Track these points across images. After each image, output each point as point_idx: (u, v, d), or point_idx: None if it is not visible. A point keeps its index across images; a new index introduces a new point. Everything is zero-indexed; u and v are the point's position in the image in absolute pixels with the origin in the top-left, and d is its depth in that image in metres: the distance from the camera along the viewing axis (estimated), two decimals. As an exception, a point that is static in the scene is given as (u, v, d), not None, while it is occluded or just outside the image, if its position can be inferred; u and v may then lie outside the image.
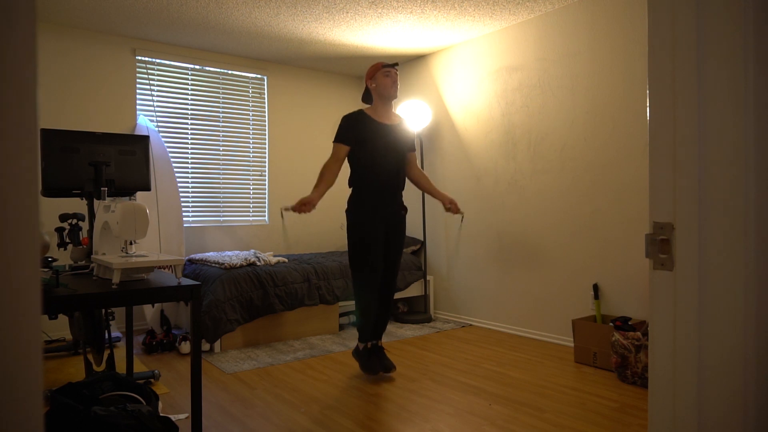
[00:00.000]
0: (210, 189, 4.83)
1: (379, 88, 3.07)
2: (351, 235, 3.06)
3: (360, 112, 3.10)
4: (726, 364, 0.85)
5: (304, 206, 2.86)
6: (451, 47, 4.72)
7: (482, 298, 4.46)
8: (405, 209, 3.20)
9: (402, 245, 3.18)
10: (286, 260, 4.32)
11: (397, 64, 3.13)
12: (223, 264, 3.94)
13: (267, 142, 5.13)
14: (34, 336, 0.51)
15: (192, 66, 4.69)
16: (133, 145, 2.54)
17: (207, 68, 4.77)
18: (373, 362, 3.09)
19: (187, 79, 4.68)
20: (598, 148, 3.60)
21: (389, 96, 3.08)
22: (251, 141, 5.06)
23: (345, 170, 3.11)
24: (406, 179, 3.28)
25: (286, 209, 2.89)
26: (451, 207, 3.19)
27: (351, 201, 3.10)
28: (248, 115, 5.04)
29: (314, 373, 3.23)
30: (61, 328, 3.91)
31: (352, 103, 5.65)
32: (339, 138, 3.04)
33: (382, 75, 3.06)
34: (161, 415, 2.14)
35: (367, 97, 3.18)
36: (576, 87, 3.73)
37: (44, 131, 2.31)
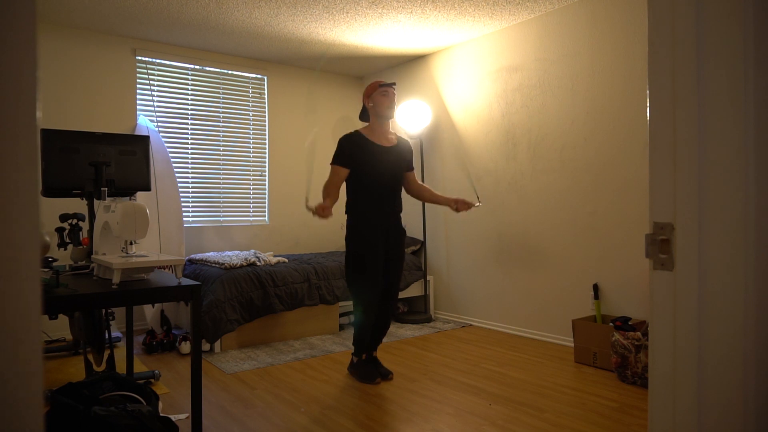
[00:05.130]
0: (210, 189, 4.83)
1: (377, 107, 3.03)
2: (350, 259, 3.04)
3: (356, 133, 3.05)
4: (726, 363, 0.85)
5: (324, 210, 2.78)
6: (451, 47, 4.72)
7: (482, 298, 4.46)
8: (403, 232, 3.17)
9: (401, 267, 3.16)
10: (286, 260, 4.32)
11: (394, 84, 3.10)
12: (223, 264, 3.94)
13: (267, 142, 5.13)
14: (34, 336, 0.51)
15: (192, 66, 4.69)
16: (133, 145, 2.54)
17: (207, 68, 4.77)
18: (370, 370, 3.08)
19: (187, 79, 4.68)
20: (598, 148, 3.60)
21: (386, 116, 3.05)
22: (251, 141, 5.06)
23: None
24: (409, 196, 3.26)
25: (309, 208, 2.81)
26: (458, 207, 3.09)
27: (349, 226, 3.07)
28: (248, 115, 5.04)
29: (314, 373, 3.23)
30: (61, 328, 3.91)
31: (352, 103, 5.65)
32: (337, 160, 3.00)
33: (379, 94, 3.02)
34: (161, 415, 2.14)
35: (364, 116, 3.15)
36: (576, 87, 3.73)
37: (44, 131, 2.31)
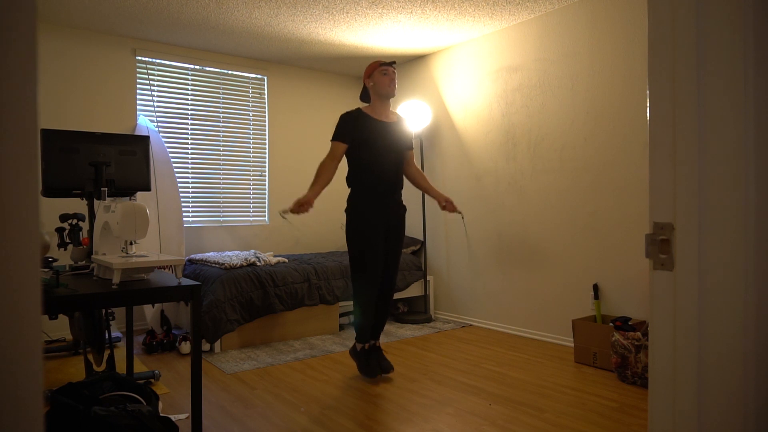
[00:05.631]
0: (210, 189, 4.83)
1: (377, 86, 3.06)
2: (350, 235, 3.05)
3: (358, 110, 3.09)
4: (726, 363, 0.85)
5: (301, 207, 2.84)
6: (451, 47, 4.72)
7: (482, 298, 4.46)
8: (404, 208, 3.19)
9: (401, 243, 3.17)
10: (286, 260, 4.32)
11: (394, 62, 3.12)
12: (223, 264, 3.94)
13: (267, 142, 5.13)
14: (34, 336, 0.51)
15: (192, 66, 4.69)
16: (133, 145, 2.54)
17: (207, 68, 4.77)
18: (372, 364, 3.08)
19: (187, 79, 4.68)
20: (598, 148, 3.60)
21: (387, 94, 3.07)
22: (251, 141, 5.06)
23: (342, 169, 3.10)
24: (405, 178, 3.27)
25: (285, 212, 2.88)
26: (446, 206, 3.18)
27: (350, 200, 3.09)
28: (248, 115, 5.04)
29: (314, 373, 3.23)
30: (61, 328, 3.91)
31: (351, 103, 5.65)
32: (337, 136, 3.03)
33: (379, 73, 3.05)
34: (161, 415, 2.14)
35: (365, 96, 3.17)
36: (576, 87, 3.73)
37: (44, 131, 2.31)
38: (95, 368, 2.68)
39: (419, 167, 3.39)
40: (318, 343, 3.94)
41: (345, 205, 3.14)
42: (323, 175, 2.96)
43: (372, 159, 3.02)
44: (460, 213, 3.25)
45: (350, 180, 3.10)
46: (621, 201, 3.46)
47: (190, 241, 4.61)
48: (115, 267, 1.88)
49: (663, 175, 0.92)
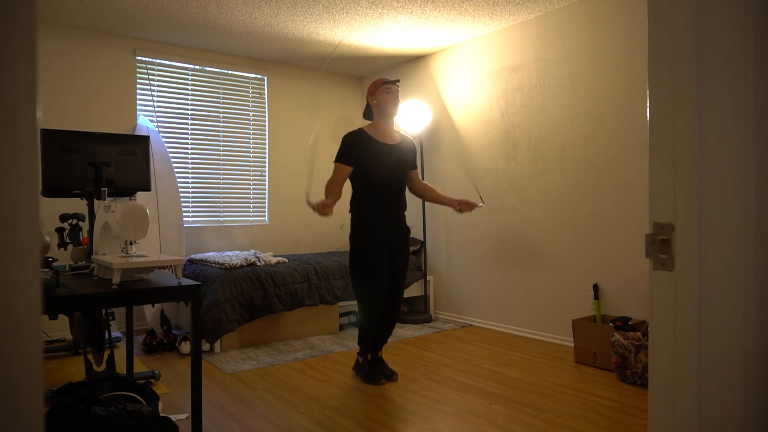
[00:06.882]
0: (210, 189, 4.83)
1: (380, 105, 3.03)
2: (354, 258, 3.03)
3: (360, 131, 3.05)
4: (726, 363, 0.85)
5: (325, 208, 2.75)
6: (451, 47, 4.72)
7: (482, 298, 4.46)
8: (408, 230, 3.16)
9: (406, 266, 3.14)
10: (286, 260, 4.32)
11: (398, 81, 3.10)
12: (223, 264, 3.94)
13: (267, 142, 5.13)
14: (34, 336, 0.51)
15: (192, 66, 4.69)
16: (133, 145, 2.55)
17: (207, 68, 4.77)
18: (375, 372, 3.07)
19: (187, 79, 4.68)
20: (598, 148, 3.60)
21: (390, 113, 3.04)
22: (251, 141, 5.06)
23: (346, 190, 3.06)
24: (412, 194, 3.25)
25: (310, 203, 2.78)
26: (462, 208, 3.06)
27: (353, 225, 3.06)
28: (248, 115, 5.04)
29: (314, 373, 3.23)
30: (61, 328, 3.91)
31: (352, 103, 5.66)
32: (340, 158, 2.99)
33: (383, 92, 3.01)
34: (161, 415, 2.14)
35: (368, 114, 3.15)
36: (576, 87, 3.73)
37: (44, 131, 2.31)
38: (95, 368, 2.68)
39: (420, 177, 3.33)
40: (318, 343, 3.94)
41: (345, 206, 3.13)
42: (333, 194, 2.91)
43: (374, 182, 2.99)
44: (480, 205, 3.07)
45: (353, 204, 3.07)
46: (621, 201, 3.46)
47: (190, 241, 4.61)
48: (115, 267, 1.88)
49: (663, 175, 0.92)
